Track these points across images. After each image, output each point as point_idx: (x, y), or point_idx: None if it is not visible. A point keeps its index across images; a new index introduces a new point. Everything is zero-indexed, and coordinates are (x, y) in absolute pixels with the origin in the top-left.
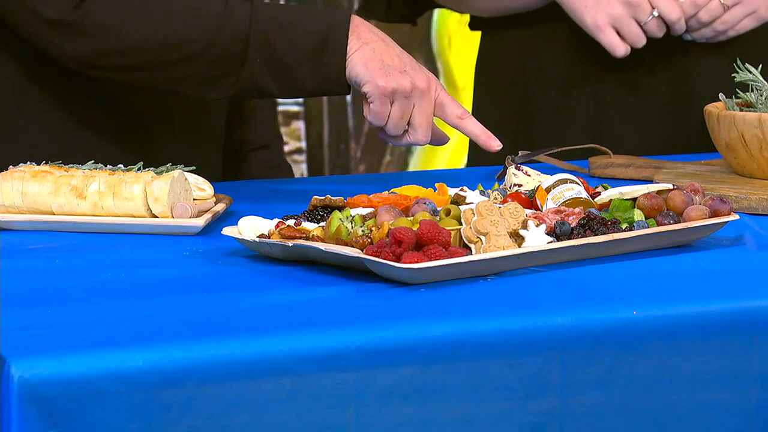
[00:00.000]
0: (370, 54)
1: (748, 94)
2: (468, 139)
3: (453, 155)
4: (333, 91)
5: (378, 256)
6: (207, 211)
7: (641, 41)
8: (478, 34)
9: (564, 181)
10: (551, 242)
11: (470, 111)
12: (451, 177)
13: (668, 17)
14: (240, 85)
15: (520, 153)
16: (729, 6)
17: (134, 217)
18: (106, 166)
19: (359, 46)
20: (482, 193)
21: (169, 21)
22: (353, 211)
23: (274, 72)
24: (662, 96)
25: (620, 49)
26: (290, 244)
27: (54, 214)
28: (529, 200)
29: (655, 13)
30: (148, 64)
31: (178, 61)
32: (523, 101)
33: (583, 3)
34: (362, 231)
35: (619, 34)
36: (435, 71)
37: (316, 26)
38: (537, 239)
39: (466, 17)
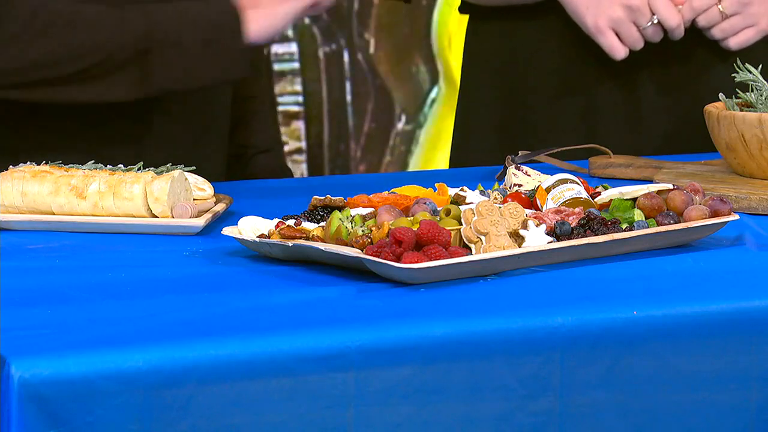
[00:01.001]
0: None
1: (748, 94)
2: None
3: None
4: (235, 74)
5: (378, 256)
6: (207, 211)
7: (639, 44)
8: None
9: (564, 181)
10: (551, 242)
11: (457, 99)
12: (451, 177)
13: (668, 24)
14: (146, 85)
15: (519, 153)
16: (728, 15)
17: (134, 217)
18: (106, 166)
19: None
20: (482, 193)
21: (65, 35)
22: (353, 211)
23: (176, 67)
24: (661, 95)
25: (620, 52)
26: (290, 244)
27: (54, 214)
28: (529, 200)
29: (655, 20)
30: (49, 79)
31: (76, 74)
32: (513, 96)
33: (584, 5)
34: (362, 231)
35: (618, 36)
36: (435, 71)
37: (208, 17)
38: (537, 239)
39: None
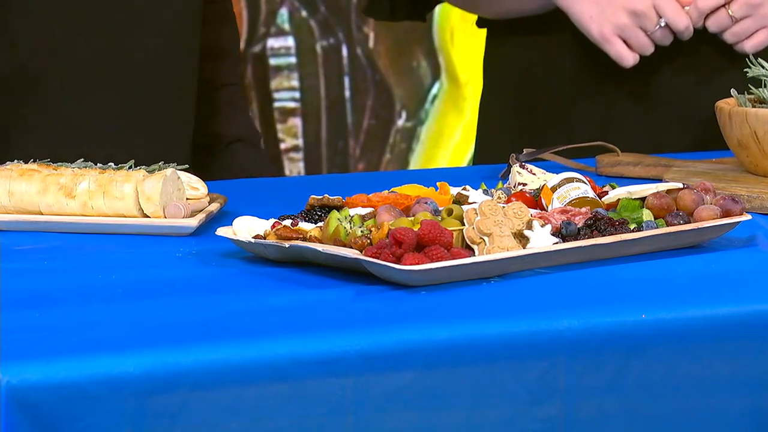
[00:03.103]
0: None
1: (760, 90)
2: (474, 138)
3: (455, 153)
4: None
5: (377, 258)
6: (200, 211)
7: (649, 50)
8: (481, 28)
9: (570, 180)
10: (557, 243)
11: (478, 108)
12: (453, 176)
13: (676, 27)
14: None
15: (525, 151)
16: (738, 18)
17: (125, 217)
18: (96, 164)
19: None
20: (485, 192)
21: None
22: (352, 211)
23: None
24: (671, 94)
25: (628, 59)
26: (287, 245)
27: (42, 214)
28: (534, 200)
29: (662, 23)
30: None
31: None
32: (531, 104)
33: (588, 13)
34: (361, 231)
35: (626, 43)
36: (437, 66)
37: None
38: (542, 240)
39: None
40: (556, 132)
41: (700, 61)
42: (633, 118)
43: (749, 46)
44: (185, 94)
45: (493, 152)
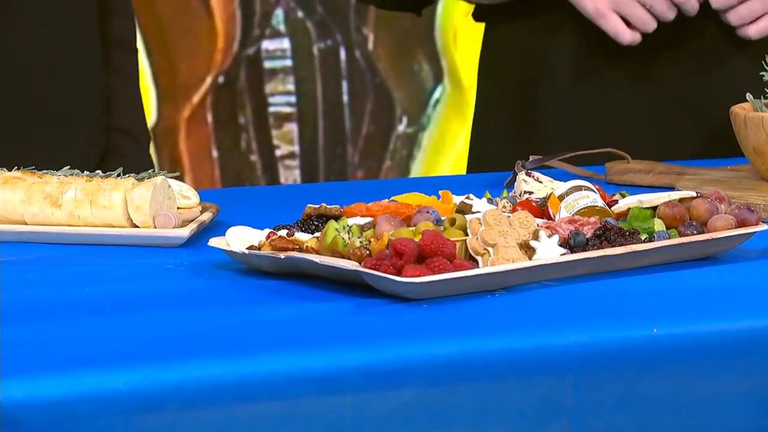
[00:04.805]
0: None
1: None
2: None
3: (458, 161)
4: None
5: (377, 269)
6: (192, 221)
7: (650, 25)
8: (483, 27)
9: (578, 189)
10: (564, 254)
11: (473, 108)
12: (455, 184)
13: None
14: None
15: (530, 158)
16: None
17: (113, 227)
18: (83, 172)
19: None
20: (490, 201)
21: None
22: (350, 221)
23: None
24: (682, 96)
25: (626, 36)
26: (282, 257)
27: (27, 224)
28: (541, 209)
29: None
30: None
31: None
32: (530, 100)
33: None
34: (360, 242)
35: (625, 20)
36: (439, 69)
37: None
38: (549, 251)
39: (472, 8)
40: (555, 132)
41: (713, 61)
42: (634, 117)
43: (753, 30)
44: (90, 88)
45: (489, 157)
